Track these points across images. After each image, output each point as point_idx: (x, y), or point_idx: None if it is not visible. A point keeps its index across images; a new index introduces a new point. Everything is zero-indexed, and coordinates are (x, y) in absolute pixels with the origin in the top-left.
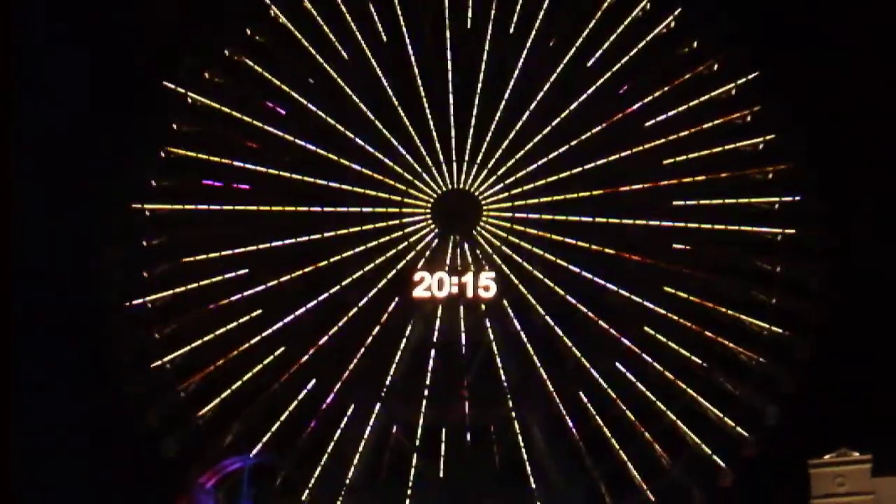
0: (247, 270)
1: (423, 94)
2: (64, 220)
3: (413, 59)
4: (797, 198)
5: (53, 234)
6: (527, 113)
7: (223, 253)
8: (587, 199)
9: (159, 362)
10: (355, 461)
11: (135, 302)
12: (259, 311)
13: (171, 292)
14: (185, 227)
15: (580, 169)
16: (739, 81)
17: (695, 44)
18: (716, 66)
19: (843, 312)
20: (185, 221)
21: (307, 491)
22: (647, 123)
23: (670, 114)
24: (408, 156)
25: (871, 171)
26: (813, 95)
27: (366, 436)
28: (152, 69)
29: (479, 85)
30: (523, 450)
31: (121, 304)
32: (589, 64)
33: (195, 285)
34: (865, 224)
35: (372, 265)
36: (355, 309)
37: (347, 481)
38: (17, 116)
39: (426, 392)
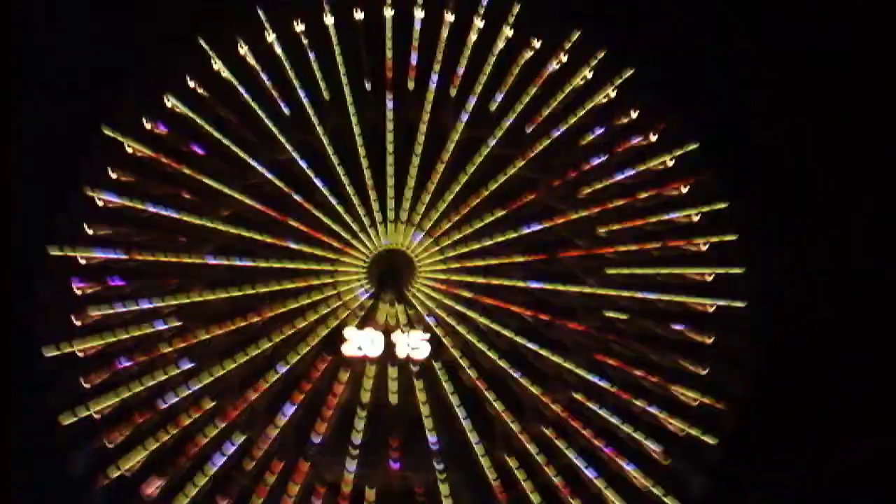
0: (179, 323)
1: (361, 153)
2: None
3: (353, 118)
4: (730, 269)
5: None
6: (463, 176)
7: (155, 304)
8: (523, 263)
9: (87, 412)
10: None
11: (65, 350)
12: (190, 365)
13: (101, 342)
14: (117, 275)
15: (515, 234)
16: (677, 153)
17: (634, 114)
18: (654, 137)
19: (775, 384)
20: (118, 269)
21: None
22: (583, 192)
23: (607, 182)
24: (344, 214)
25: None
26: (750, 166)
27: (292, 494)
28: (92, 114)
29: (419, 146)
30: None
31: (49, 348)
32: (528, 130)
33: (126, 336)
34: (804, 300)
35: (304, 322)
36: (285, 366)
37: None
38: None
39: (353, 452)
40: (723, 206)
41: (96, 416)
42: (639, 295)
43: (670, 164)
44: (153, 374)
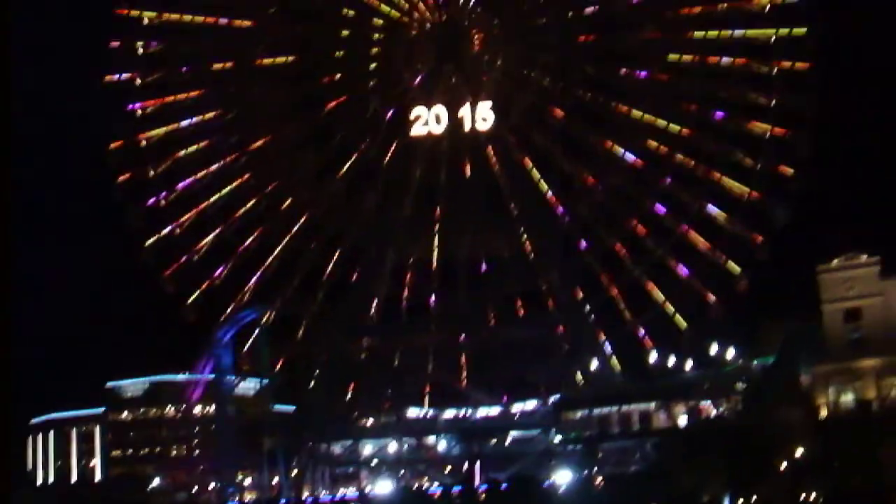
0: (244, 124)
1: None
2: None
3: None
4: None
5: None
6: None
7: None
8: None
9: (170, 227)
10: (374, 302)
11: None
12: (258, 169)
13: (170, 159)
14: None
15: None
16: None
17: None
18: None
19: (849, 115)
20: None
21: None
22: None
23: None
24: None
25: None
26: None
27: (382, 276)
28: None
29: None
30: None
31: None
32: None
33: (197, 146)
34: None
35: (370, 109)
36: (356, 154)
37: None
38: None
39: (436, 229)
40: None
41: (179, 231)
42: (699, 34)
43: None
44: (230, 181)
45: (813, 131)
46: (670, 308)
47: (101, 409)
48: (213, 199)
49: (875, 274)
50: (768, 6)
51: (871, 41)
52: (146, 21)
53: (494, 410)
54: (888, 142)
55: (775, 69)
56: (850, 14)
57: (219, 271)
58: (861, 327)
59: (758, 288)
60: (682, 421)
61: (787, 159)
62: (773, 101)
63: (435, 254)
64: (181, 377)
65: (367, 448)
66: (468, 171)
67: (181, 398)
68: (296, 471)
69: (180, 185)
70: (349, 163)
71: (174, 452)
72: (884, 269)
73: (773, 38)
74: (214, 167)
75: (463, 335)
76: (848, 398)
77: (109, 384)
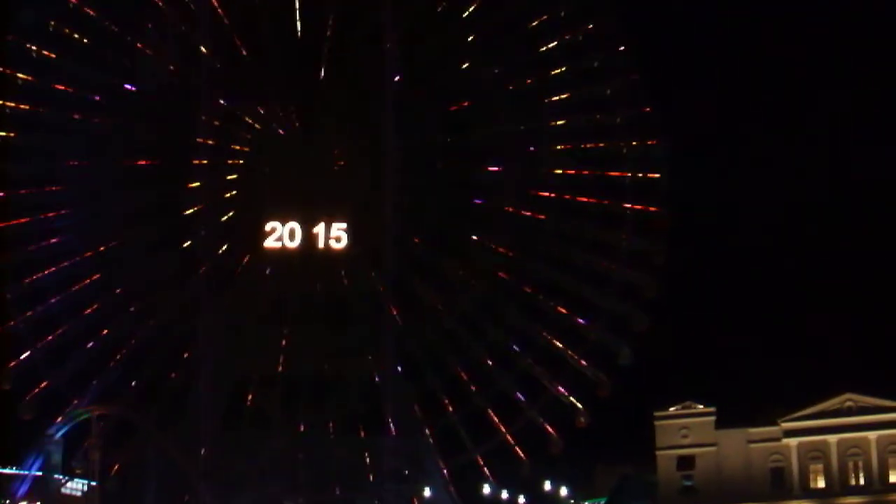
0: (97, 223)
1: (271, 40)
2: None
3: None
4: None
5: None
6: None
7: (71, 210)
8: (441, 145)
9: (14, 322)
10: (214, 411)
11: None
12: (108, 270)
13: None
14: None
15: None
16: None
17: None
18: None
19: (693, 266)
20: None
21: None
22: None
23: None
24: (258, 107)
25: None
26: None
27: (222, 387)
28: None
29: (330, 31)
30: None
31: None
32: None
33: (47, 243)
34: (709, 175)
35: (226, 216)
36: (208, 263)
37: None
38: None
39: (283, 344)
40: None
41: (21, 326)
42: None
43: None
44: (76, 280)
45: (660, 276)
46: (510, 439)
47: None
48: (60, 296)
49: (710, 424)
50: (626, 150)
51: (724, 185)
52: (8, 111)
53: None
54: (733, 296)
55: (628, 210)
56: (707, 160)
57: (60, 370)
58: (693, 476)
59: (595, 429)
60: None
61: (635, 301)
62: (624, 242)
63: (280, 369)
64: (7, 471)
65: None
66: (319, 289)
67: (5, 493)
68: None
69: (27, 279)
70: (199, 272)
71: None
72: (719, 420)
73: (629, 180)
74: (64, 264)
75: (301, 453)
76: None
77: None
